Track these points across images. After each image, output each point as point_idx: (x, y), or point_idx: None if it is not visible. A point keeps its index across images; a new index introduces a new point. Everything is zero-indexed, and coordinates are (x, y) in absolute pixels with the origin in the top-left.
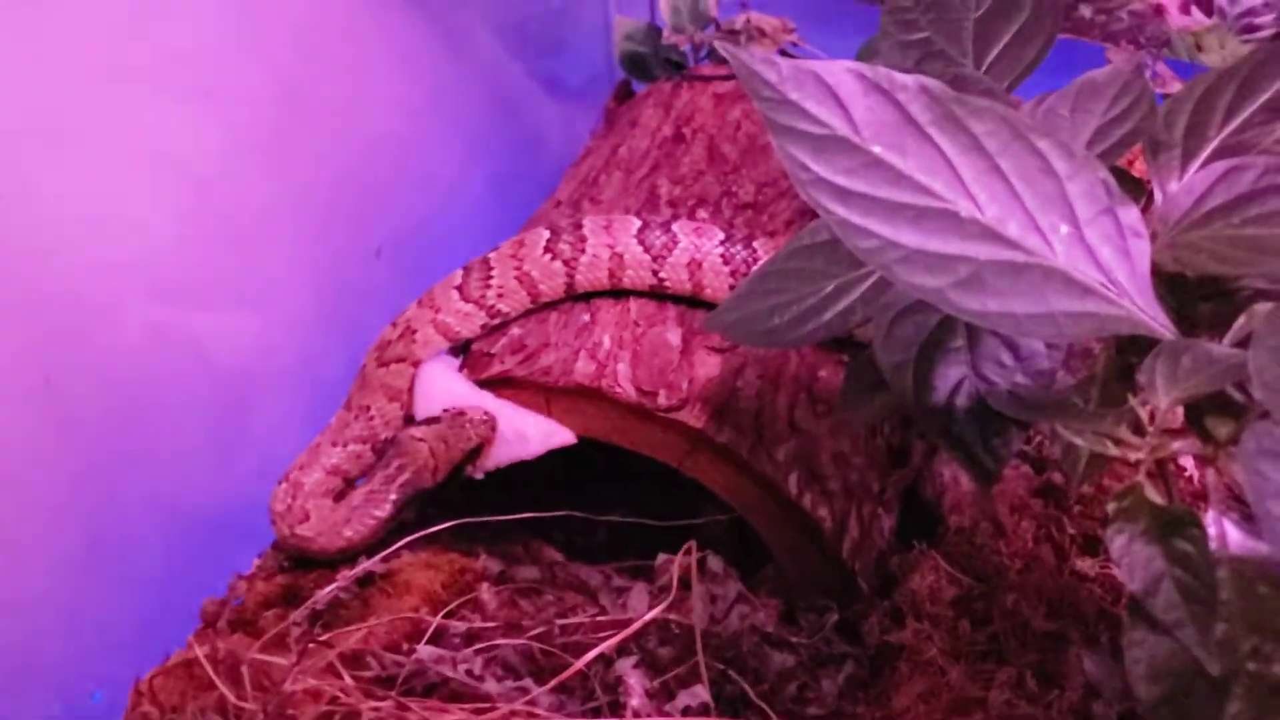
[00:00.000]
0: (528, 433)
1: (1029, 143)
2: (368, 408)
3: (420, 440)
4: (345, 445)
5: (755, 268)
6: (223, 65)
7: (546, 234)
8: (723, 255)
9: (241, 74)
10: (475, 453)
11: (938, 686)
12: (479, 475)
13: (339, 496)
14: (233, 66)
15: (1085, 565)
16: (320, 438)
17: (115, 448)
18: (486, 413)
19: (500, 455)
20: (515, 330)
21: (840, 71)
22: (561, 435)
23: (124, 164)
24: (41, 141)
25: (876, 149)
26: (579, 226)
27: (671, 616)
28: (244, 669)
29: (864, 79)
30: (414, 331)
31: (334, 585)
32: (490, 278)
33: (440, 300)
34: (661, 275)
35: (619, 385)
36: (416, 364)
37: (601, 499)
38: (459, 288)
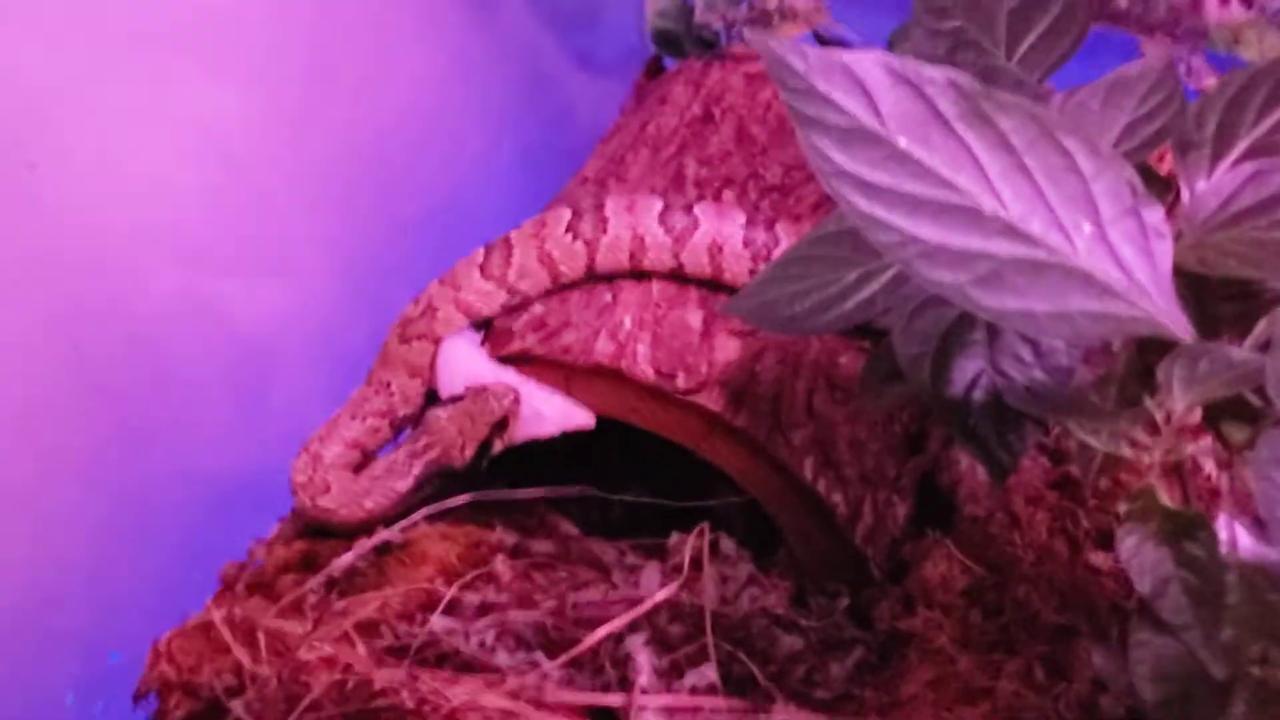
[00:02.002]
0: (545, 412)
1: (1055, 140)
2: (388, 383)
3: (448, 420)
4: (364, 419)
5: (776, 252)
6: (253, 34)
7: (568, 214)
8: (744, 239)
9: (271, 43)
10: (502, 425)
11: (946, 675)
12: (494, 451)
13: (358, 468)
14: (263, 35)
15: (1099, 559)
16: (340, 411)
17: (141, 413)
18: (509, 387)
19: (517, 432)
20: (537, 308)
21: (868, 62)
22: (580, 417)
23: (154, 132)
24: (73, 109)
25: (902, 142)
26: (601, 207)
27: (683, 596)
28: (260, 634)
29: (892, 71)
30: (435, 309)
31: (352, 553)
32: (511, 257)
33: (462, 278)
34: (682, 258)
35: (638, 366)
36: (438, 341)
37: (618, 476)
38: (481, 266)
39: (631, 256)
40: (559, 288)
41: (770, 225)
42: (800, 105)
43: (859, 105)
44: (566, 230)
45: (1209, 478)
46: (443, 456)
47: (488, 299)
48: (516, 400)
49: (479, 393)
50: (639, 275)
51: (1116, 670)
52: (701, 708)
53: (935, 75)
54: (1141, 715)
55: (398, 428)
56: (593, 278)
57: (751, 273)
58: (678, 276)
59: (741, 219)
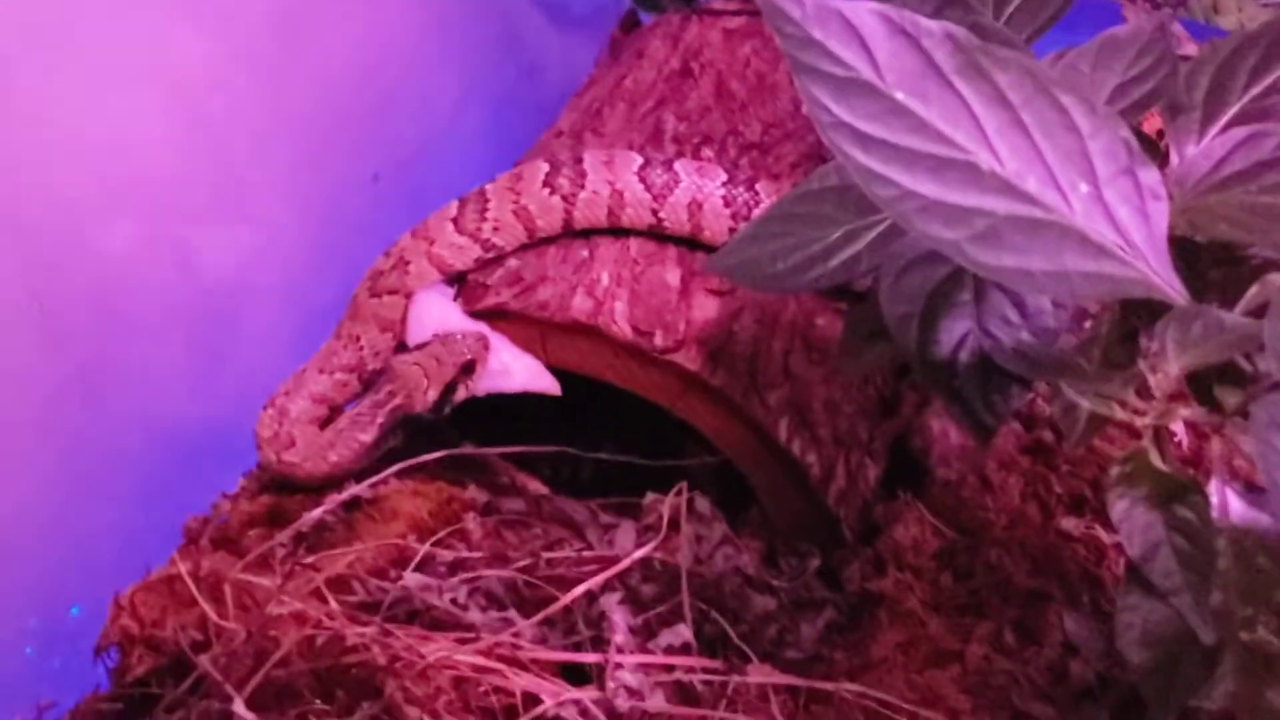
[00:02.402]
0: (513, 369)
1: (1052, 97)
2: (358, 337)
3: (413, 364)
4: (332, 373)
5: (757, 211)
6: None
7: (545, 167)
8: (724, 197)
9: None
10: (469, 368)
11: (916, 637)
12: (457, 398)
13: (325, 424)
14: None
15: (1070, 524)
16: (307, 364)
17: (101, 361)
18: (480, 333)
19: (482, 383)
20: (512, 262)
21: (865, 13)
22: (546, 381)
23: (117, 77)
24: (35, 53)
25: (899, 95)
26: (579, 161)
27: (657, 555)
28: (227, 588)
29: (889, 21)
30: (407, 263)
31: (321, 509)
32: (486, 210)
33: (435, 232)
34: (661, 215)
35: (615, 323)
36: (409, 296)
37: (589, 434)
38: (454, 220)
39: (610, 213)
40: (535, 243)
41: (751, 184)
42: (797, 53)
43: (856, 56)
44: (543, 185)
45: (1179, 444)
46: (406, 403)
47: (461, 253)
48: (486, 346)
49: (447, 336)
50: (617, 232)
51: (1088, 635)
52: (676, 667)
53: (932, 27)
54: (1111, 680)
55: (366, 382)
56: (570, 233)
57: (731, 231)
58: (656, 234)
59: (722, 177)
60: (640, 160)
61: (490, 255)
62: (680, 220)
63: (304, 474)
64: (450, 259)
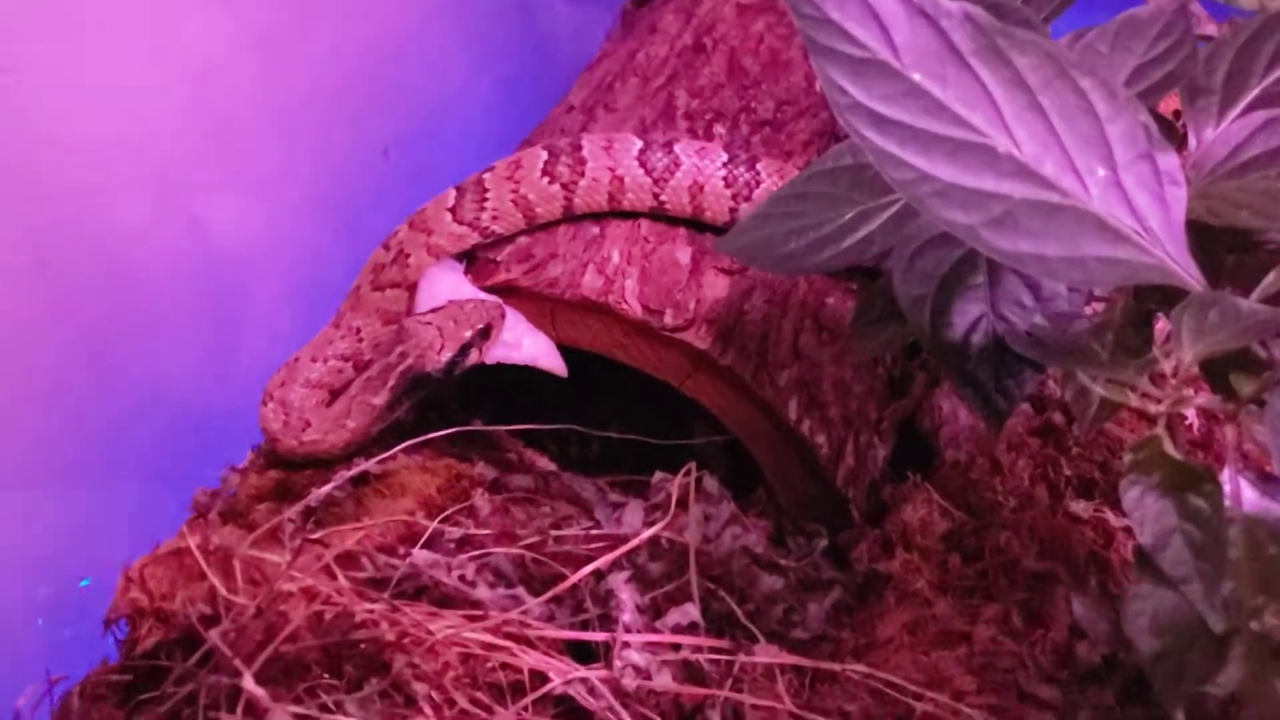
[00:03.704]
0: (522, 343)
1: (1071, 80)
2: (358, 329)
3: (428, 324)
4: (326, 361)
5: (759, 191)
6: None
7: (544, 155)
8: (725, 178)
9: None
10: (485, 333)
11: (923, 618)
12: (469, 361)
13: (327, 405)
14: None
15: (1079, 507)
16: (300, 352)
17: (110, 331)
18: (498, 301)
19: (493, 351)
20: (523, 239)
21: None
22: (555, 361)
23: (131, 46)
24: (49, 19)
25: (916, 76)
26: (578, 148)
27: (665, 533)
28: (236, 562)
29: (908, 2)
30: (407, 256)
31: (330, 484)
32: (485, 199)
33: (432, 223)
34: (662, 198)
35: (625, 301)
36: (411, 288)
37: (597, 412)
38: (452, 209)
39: (610, 198)
40: (535, 229)
41: (752, 164)
42: (814, 34)
43: (874, 36)
44: (542, 173)
45: (1190, 427)
46: (417, 362)
47: (460, 242)
48: (502, 315)
49: (465, 301)
50: (627, 211)
51: (1095, 619)
52: (683, 646)
53: (951, 8)
54: (1118, 663)
55: (362, 371)
56: (571, 219)
57: (732, 212)
58: (659, 216)
59: (723, 157)
60: (640, 144)
61: (489, 242)
62: (682, 203)
63: (328, 448)
64: (449, 248)
